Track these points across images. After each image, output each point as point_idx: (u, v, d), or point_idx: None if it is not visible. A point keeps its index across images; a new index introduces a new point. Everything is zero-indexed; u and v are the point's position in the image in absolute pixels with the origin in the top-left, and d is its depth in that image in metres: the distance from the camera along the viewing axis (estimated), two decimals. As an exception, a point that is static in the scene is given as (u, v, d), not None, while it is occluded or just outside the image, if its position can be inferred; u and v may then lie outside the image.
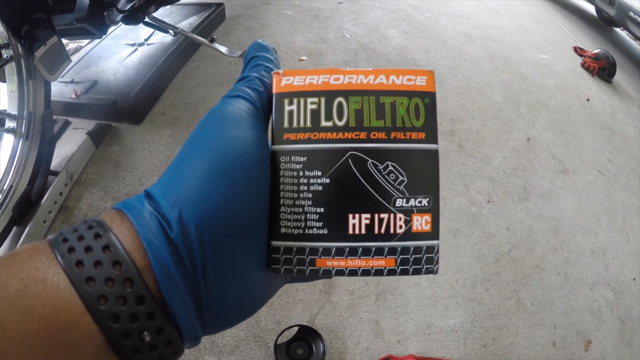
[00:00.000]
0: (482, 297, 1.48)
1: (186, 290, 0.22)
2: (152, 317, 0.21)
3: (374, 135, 0.28)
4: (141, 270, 0.21)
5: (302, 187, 0.28)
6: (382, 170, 0.28)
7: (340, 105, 0.28)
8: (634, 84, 3.18)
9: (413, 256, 0.28)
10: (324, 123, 0.28)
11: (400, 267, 0.28)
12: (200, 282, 0.22)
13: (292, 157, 0.28)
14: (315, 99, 0.29)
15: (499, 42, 2.90)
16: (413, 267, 0.28)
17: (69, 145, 1.63)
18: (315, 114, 0.28)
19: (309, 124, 0.28)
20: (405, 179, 0.28)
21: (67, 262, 0.20)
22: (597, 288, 1.66)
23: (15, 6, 1.16)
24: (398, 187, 0.28)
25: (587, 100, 2.66)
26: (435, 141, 0.29)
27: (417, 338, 1.33)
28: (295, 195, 0.28)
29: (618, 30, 4.08)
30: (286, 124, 0.28)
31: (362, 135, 0.28)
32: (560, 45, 3.23)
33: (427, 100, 0.29)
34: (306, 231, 0.28)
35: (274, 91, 0.29)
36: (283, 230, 0.28)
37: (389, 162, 0.28)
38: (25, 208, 1.35)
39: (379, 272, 0.28)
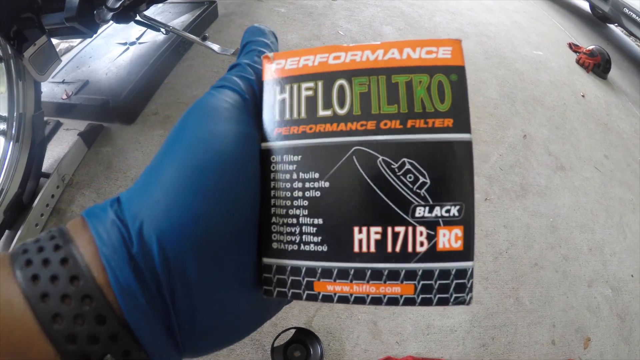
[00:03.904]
0: (481, 296, 1.47)
1: (153, 312, 0.19)
2: (115, 339, 0.18)
3: (386, 124, 0.22)
4: (103, 286, 0.19)
5: (296, 193, 0.23)
6: (396, 170, 0.22)
7: (341, 89, 0.23)
8: (629, 80, 3.19)
9: (438, 282, 0.22)
10: (321, 112, 0.23)
11: (420, 296, 0.22)
12: (168, 306, 0.20)
13: (285, 157, 0.23)
14: (311, 84, 0.23)
15: (494, 39, 2.89)
16: (438, 296, 0.22)
17: (61, 146, 1.60)
18: (311, 102, 0.23)
19: (303, 114, 0.23)
20: (428, 181, 0.22)
21: (24, 276, 0.18)
22: (595, 285, 1.66)
23: (4, 6, 1.14)
24: (418, 191, 0.22)
25: (583, 96, 2.66)
26: (466, 129, 0.23)
27: (416, 338, 1.32)
28: (289, 202, 0.23)
29: (612, 26, 4.09)
30: (277, 117, 0.23)
31: (370, 125, 0.23)
32: (555, 41, 3.24)
33: (454, 76, 0.23)
34: (301, 247, 0.23)
35: (264, 78, 0.24)
36: (275, 245, 0.23)
37: (406, 159, 0.22)
38: (16, 211, 1.33)
39: (393, 302, 0.22)
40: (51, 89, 1.81)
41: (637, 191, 2.17)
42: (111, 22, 1.59)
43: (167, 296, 0.20)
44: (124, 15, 1.60)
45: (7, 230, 1.31)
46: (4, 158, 1.30)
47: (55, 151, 1.58)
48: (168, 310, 0.20)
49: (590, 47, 3.02)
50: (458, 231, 0.22)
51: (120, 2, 1.39)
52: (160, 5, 2.25)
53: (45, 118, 1.46)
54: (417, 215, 0.22)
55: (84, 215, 0.21)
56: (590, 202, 1.97)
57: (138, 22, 1.74)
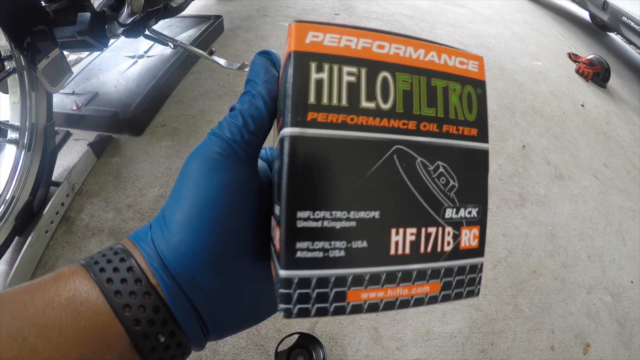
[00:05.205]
0: (480, 303, 1.49)
1: (187, 306, 0.26)
2: (165, 323, 0.25)
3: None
4: (156, 286, 0.26)
5: None
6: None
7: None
8: (629, 88, 3.21)
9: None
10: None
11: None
12: (196, 302, 0.26)
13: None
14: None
15: (493, 51, 2.93)
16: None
17: (70, 156, 1.64)
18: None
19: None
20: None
21: (99, 279, 0.25)
22: (594, 292, 1.68)
23: (17, 18, 1.17)
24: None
25: (582, 105, 2.69)
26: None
27: (416, 344, 1.34)
28: None
29: (612, 35, 4.13)
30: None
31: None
32: (554, 51, 3.27)
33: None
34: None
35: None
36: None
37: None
38: (27, 218, 1.36)
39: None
40: (61, 100, 1.85)
41: (636, 198, 2.18)
42: (121, 36, 1.64)
43: (193, 299, 0.26)
44: (133, 30, 1.65)
45: (17, 237, 1.34)
46: (16, 166, 1.33)
47: (65, 160, 1.61)
48: (196, 306, 0.26)
49: (590, 57, 3.05)
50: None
51: (132, 18, 1.44)
52: (168, 19, 2.31)
53: (55, 128, 1.50)
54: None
55: (131, 238, 0.28)
56: (589, 210, 1.99)
57: (147, 37, 1.79)
